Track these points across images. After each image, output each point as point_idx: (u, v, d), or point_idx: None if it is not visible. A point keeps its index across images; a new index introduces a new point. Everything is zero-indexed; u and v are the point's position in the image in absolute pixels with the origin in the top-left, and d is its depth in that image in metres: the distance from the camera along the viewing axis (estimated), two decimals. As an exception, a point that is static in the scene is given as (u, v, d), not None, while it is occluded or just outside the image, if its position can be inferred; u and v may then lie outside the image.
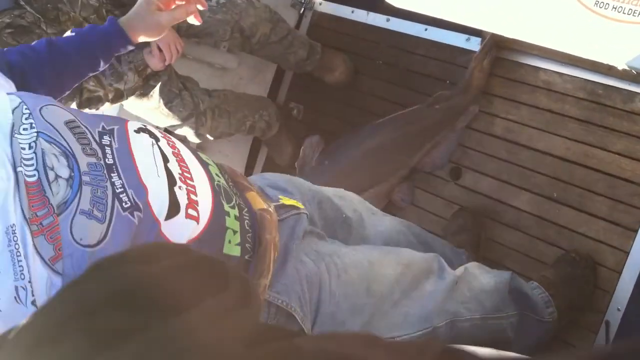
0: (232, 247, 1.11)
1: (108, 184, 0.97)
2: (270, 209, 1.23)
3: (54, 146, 0.96)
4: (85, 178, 0.96)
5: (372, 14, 2.76)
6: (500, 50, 2.31)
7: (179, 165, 1.09)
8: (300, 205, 1.35)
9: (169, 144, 1.13)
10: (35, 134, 0.95)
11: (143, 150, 1.06)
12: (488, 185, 2.29)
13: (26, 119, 0.97)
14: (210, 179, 1.15)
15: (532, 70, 2.25)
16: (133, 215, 0.97)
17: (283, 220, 1.28)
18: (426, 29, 2.56)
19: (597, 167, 2.06)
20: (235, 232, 1.12)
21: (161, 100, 2.39)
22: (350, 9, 2.82)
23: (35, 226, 0.89)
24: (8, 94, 1.02)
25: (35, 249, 0.89)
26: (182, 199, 1.04)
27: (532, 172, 2.19)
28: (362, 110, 2.73)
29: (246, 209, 1.18)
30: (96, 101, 2.24)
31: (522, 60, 2.28)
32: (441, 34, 2.52)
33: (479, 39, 2.38)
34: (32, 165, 0.92)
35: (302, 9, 2.99)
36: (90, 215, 0.94)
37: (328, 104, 2.86)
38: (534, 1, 1.61)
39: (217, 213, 1.10)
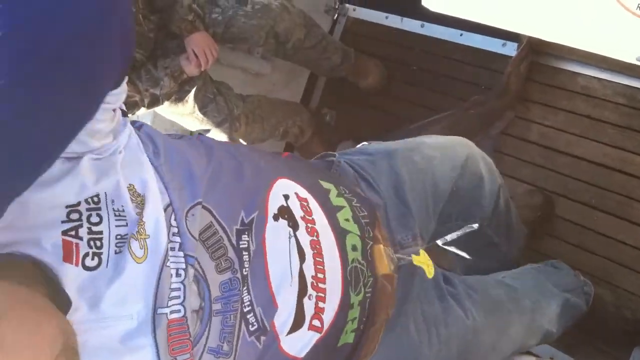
0: (347, 336, 0.99)
1: (238, 309, 0.83)
2: (392, 271, 1.08)
3: (195, 271, 0.81)
4: (217, 306, 0.81)
5: (406, 19, 2.74)
6: (537, 55, 2.28)
7: (315, 262, 0.94)
8: (430, 269, 1.22)
9: (307, 229, 0.96)
10: (184, 259, 0.78)
11: (279, 249, 0.90)
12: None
13: (174, 235, 0.79)
14: (344, 265, 0.98)
15: (570, 75, 2.22)
16: (259, 340, 0.85)
17: (399, 267, 1.14)
18: (461, 34, 2.54)
19: (637, 173, 2.03)
20: (354, 319, 0.99)
21: (196, 106, 2.41)
22: (384, 14, 2.81)
23: None
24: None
25: None
26: (309, 310, 0.91)
27: (569, 179, 2.16)
28: (396, 116, 2.72)
29: (370, 281, 1.03)
30: (132, 106, 2.26)
31: (559, 65, 2.26)
32: (477, 39, 2.50)
33: (515, 44, 2.36)
34: (179, 297, 0.76)
35: (336, 15, 2.99)
36: (218, 353, 0.81)
37: (361, 110, 2.85)
38: (574, 4, 1.59)
39: (342, 312, 0.97)
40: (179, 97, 2.38)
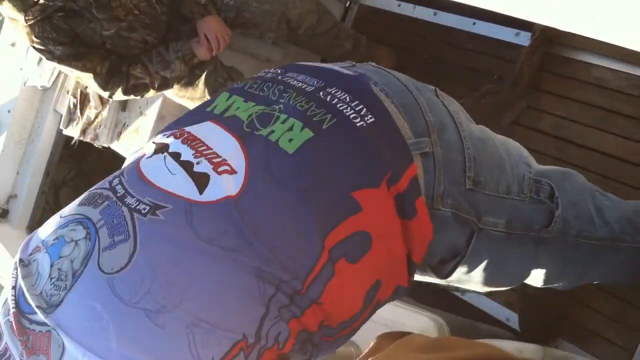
0: (296, 137, 1.01)
1: (123, 208, 0.96)
2: None
3: (70, 227, 0.98)
4: (99, 223, 0.95)
5: (418, 7, 2.73)
6: (551, 45, 2.26)
7: (191, 147, 1.05)
8: None
9: (177, 136, 1.09)
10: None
11: (153, 166, 1.04)
12: (534, 182, 2.25)
13: None
14: (232, 126, 1.07)
15: (583, 66, 2.20)
16: (155, 214, 0.94)
17: None
18: (474, 23, 2.53)
19: (649, 165, 2.01)
20: (291, 127, 1.03)
21: (206, 90, 2.40)
22: (396, 2, 2.80)
23: (24, 352, 0.89)
24: None
25: None
26: (206, 168, 1.00)
27: (581, 170, 2.13)
28: (406, 105, 2.70)
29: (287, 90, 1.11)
30: (142, 88, 2.26)
31: (573, 55, 2.23)
32: (490, 28, 2.48)
33: (529, 34, 2.33)
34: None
35: (348, 2, 2.98)
36: (113, 244, 0.91)
37: (372, 98, 2.83)
38: (591, -8, 1.57)
39: (252, 146, 1.02)
40: (189, 81, 2.38)
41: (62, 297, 0.88)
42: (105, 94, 2.27)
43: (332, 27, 2.56)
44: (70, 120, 2.93)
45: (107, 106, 2.79)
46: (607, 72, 2.14)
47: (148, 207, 0.95)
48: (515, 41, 2.41)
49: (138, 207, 0.95)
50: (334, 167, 1.00)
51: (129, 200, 0.97)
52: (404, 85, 1.16)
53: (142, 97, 2.34)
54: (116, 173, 1.07)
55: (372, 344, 1.43)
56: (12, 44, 3.08)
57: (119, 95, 2.26)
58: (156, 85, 2.26)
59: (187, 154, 1.03)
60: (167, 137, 1.11)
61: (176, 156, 1.04)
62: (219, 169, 0.99)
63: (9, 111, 3.05)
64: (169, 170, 1.02)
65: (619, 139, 2.08)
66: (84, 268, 0.90)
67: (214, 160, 1.01)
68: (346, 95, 1.07)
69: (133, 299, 0.86)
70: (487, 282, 1.31)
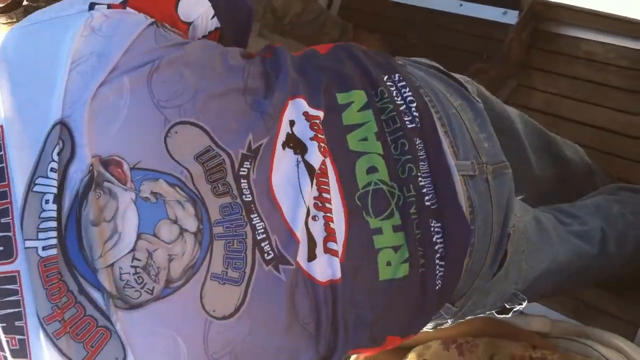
0: (393, 269, 0.86)
1: (247, 229, 0.76)
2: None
3: (178, 190, 0.73)
4: (217, 229, 0.75)
5: (404, -9, 2.71)
6: (539, 21, 2.25)
7: (318, 182, 0.84)
8: None
9: (320, 148, 0.85)
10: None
11: (286, 178, 0.82)
12: (528, 160, 2.24)
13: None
14: (349, 190, 0.86)
15: (572, 40, 2.20)
16: (278, 269, 0.77)
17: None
18: (461, 5, 2.51)
19: (643, 136, 1.99)
20: (398, 247, 0.86)
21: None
22: (382, -13, 2.78)
23: (57, 323, 0.68)
24: None
25: (62, 354, 0.68)
26: (319, 233, 0.82)
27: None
28: (397, 90, 2.68)
29: (415, 203, 0.89)
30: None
31: (561, 31, 2.23)
32: (477, 9, 2.47)
33: (516, 12, 2.33)
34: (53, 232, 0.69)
35: (333, -11, 2.95)
36: (223, 279, 0.74)
37: (361, 86, 2.81)
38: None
39: (357, 238, 0.85)
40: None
41: (143, 302, 0.70)
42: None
43: (319, 15, 2.54)
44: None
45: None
46: (596, 45, 2.13)
47: (272, 255, 0.78)
48: (502, 20, 2.40)
49: (263, 246, 0.77)
50: (397, 315, 0.90)
51: (256, 221, 0.78)
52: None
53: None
54: (250, 140, 0.80)
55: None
56: None
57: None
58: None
59: (313, 190, 0.83)
60: (309, 128, 0.86)
61: (310, 171, 0.83)
62: (328, 244, 0.82)
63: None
64: (300, 191, 0.82)
65: (612, 112, 2.07)
66: (184, 284, 0.72)
67: (330, 226, 0.83)
68: (442, 249, 0.90)
69: (216, 354, 0.73)
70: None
